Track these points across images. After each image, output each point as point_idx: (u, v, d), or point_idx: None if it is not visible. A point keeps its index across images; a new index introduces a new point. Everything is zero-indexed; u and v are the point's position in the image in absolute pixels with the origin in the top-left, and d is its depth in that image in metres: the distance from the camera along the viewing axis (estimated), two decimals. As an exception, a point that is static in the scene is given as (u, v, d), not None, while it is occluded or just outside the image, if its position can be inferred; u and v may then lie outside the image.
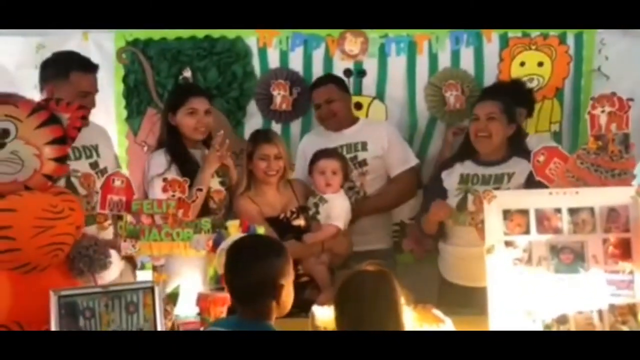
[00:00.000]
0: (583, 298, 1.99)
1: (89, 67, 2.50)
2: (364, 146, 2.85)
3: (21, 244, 1.79)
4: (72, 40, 3.00)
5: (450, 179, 2.58)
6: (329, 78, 2.96)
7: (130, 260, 2.42)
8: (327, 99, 2.87)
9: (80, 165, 2.42)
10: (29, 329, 1.82)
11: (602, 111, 2.20)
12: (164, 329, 1.79)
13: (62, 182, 2.36)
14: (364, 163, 2.85)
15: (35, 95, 2.46)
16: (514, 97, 2.70)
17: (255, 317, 1.65)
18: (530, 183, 2.32)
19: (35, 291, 1.76)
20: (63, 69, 2.44)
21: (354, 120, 2.94)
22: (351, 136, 2.88)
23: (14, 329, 1.81)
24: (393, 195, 2.87)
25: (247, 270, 1.63)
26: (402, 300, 1.58)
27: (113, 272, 2.33)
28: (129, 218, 2.01)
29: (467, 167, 2.56)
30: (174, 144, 2.56)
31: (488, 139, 2.51)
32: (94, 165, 2.46)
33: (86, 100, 2.43)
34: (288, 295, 1.68)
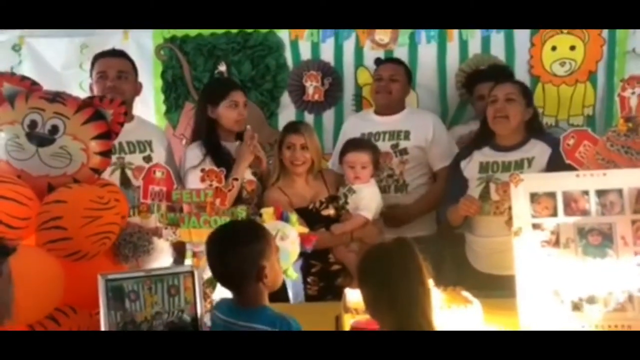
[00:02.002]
0: (612, 279, 1.99)
1: (111, 53, 2.67)
2: (407, 135, 2.87)
3: (72, 233, 1.88)
4: (113, 39, 3.12)
5: (470, 168, 2.56)
6: (399, 61, 3.01)
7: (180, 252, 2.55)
8: (391, 75, 2.91)
9: (135, 159, 2.59)
10: (80, 312, 1.94)
11: (633, 93, 2.18)
12: (203, 311, 1.88)
13: (117, 174, 2.53)
14: (404, 152, 2.87)
15: (80, 93, 2.62)
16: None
17: (247, 302, 1.66)
18: (553, 165, 2.31)
19: (85, 277, 1.84)
20: (93, 62, 2.66)
21: (402, 108, 2.96)
22: (395, 124, 2.90)
23: (68, 312, 1.92)
24: (439, 192, 2.83)
25: (225, 257, 1.64)
26: (424, 267, 1.53)
27: (164, 261, 2.46)
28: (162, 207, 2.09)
29: (486, 155, 2.53)
30: (210, 136, 2.63)
31: (506, 120, 2.46)
32: (147, 159, 2.60)
33: (126, 83, 2.60)
34: (273, 272, 1.67)
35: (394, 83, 2.91)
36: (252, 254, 1.64)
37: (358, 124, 2.96)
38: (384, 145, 2.86)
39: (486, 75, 2.89)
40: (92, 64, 2.66)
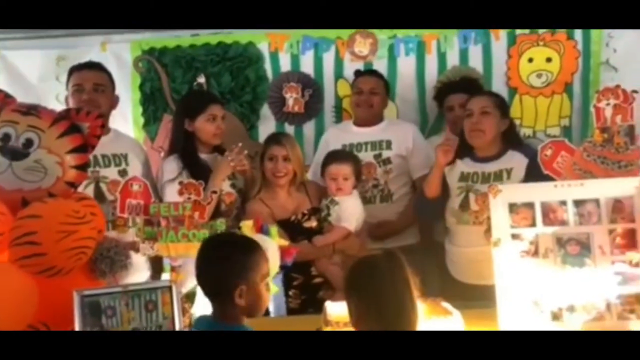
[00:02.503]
0: (590, 288, 2.00)
1: (87, 66, 2.64)
2: (389, 144, 2.90)
3: (46, 248, 1.86)
4: (91, 51, 3.10)
5: (452, 175, 2.58)
6: (378, 74, 3.04)
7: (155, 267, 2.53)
8: (372, 88, 2.94)
9: (109, 172, 2.55)
10: (55, 329, 1.90)
11: (607, 104, 2.22)
12: (182, 326, 1.85)
13: (91, 188, 2.49)
14: (388, 161, 2.89)
15: (56, 105, 2.58)
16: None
17: (223, 318, 1.61)
18: (530, 176, 2.34)
19: (60, 293, 1.81)
20: (69, 74, 2.63)
21: (381, 120, 2.99)
22: (376, 134, 2.92)
23: (41, 329, 1.89)
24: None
25: (206, 263, 1.63)
26: (412, 280, 1.53)
27: (141, 276, 2.43)
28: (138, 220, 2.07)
29: (466, 165, 2.56)
30: (187, 149, 2.61)
31: (482, 134, 2.50)
32: (123, 173, 2.55)
33: (103, 96, 2.56)
34: (251, 296, 1.60)
35: (374, 96, 2.93)
36: (232, 269, 1.60)
37: (339, 135, 2.97)
38: (366, 156, 2.88)
39: (456, 87, 2.94)
40: (68, 77, 2.63)
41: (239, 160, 2.55)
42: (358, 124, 2.99)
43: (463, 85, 2.90)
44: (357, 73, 3.07)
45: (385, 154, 2.89)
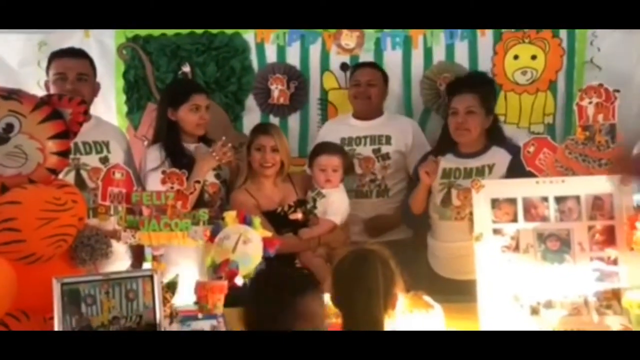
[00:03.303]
0: (569, 284, 2.04)
1: (70, 53, 2.59)
2: (388, 140, 2.90)
3: (26, 235, 1.84)
4: (74, 37, 3.04)
5: None
6: (377, 66, 3.02)
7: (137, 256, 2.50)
8: (369, 80, 2.92)
9: (90, 160, 2.52)
10: (34, 317, 1.88)
11: (590, 102, 2.25)
12: (162, 315, 1.84)
13: (71, 175, 2.46)
14: (387, 157, 2.89)
15: (38, 91, 2.53)
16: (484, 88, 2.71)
17: None
18: (512, 172, 2.35)
19: (39, 280, 1.80)
20: (50, 60, 2.57)
21: (380, 113, 2.98)
22: (376, 128, 2.92)
23: (19, 317, 1.87)
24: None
25: None
26: (396, 277, 1.58)
27: (122, 265, 2.41)
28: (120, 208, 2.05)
29: (448, 161, 2.56)
30: (170, 139, 2.59)
31: (467, 132, 2.52)
32: (104, 160, 2.53)
33: (86, 85, 2.53)
34: None
35: (372, 88, 2.92)
36: None
37: (337, 129, 2.96)
38: (365, 150, 2.88)
39: (469, 83, 2.81)
40: (49, 62, 2.58)
41: (223, 154, 2.53)
42: (357, 116, 2.98)
43: (473, 82, 2.81)
44: (344, 66, 3.07)
45: (385, 149, 2.89)
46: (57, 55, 2.58)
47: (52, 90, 2.51)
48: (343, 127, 2.96)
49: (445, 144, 2.62)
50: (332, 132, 2.96)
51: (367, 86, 2.92)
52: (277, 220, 2.55)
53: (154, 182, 2.34)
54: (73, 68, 2.52)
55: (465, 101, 2.53)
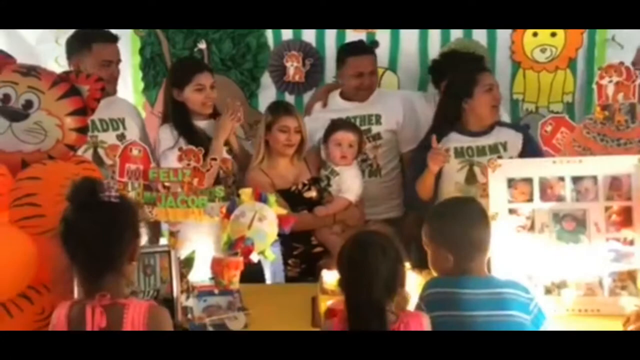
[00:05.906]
0: (584, 264, 2.03)
1: (109, 38, 2.64)
2: (378, 119, 2.87)
3: (46, 210, 1.87)
4: (91, 14, 3.07)
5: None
6: (368, 49, 2.91)
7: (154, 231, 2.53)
8: (371, 70, 2.86)
9: (108, 137, 2.56)
10: (54, 291, 1.93)
11: (610, 81, 2.22)
12: (179, 290, 1.87)
13: (89, 153, 2.49)
14: (377, 137, 2.86)
15: (56, 68, 2.56)
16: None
17: None
18: (524, 152, 2.34)
19: (60, 255, 1.85)
20: (86, 43, 2.59)
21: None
22: (365, 107, 2.88)
23: (40, 290, 1.91)
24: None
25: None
26: (400, 255, 1.57)
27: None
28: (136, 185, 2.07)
29: (457, 140, 2.51)
30: (180, 118, 2.59)
31: (497, 108, 2.51)
32: (121, 137, 2.56)
33: (110, 69, 2.61)
34: None
35: (372, 76, 2.88)
36: None
37: (324, 113, 2.87)
38: None
39: (458, 63, 2.78)
40: (84, 44, 2.59)
41: (237, 116, 2.55)
42: (347, 97, 2.90)
43: (465, 62, 2.78)
44: (349, 50, 2.87)
45: (375, 129, 2.86)
46: (99, 40, 2.61)
47: (98, 74, 2.46)
48: (331, 109, 2.89)
49: (447, 122, 2.55)
50: (320, 114, 2.89)
51: (370, 75, 2.85)
52: (291, 199, 2.55)
53: (171, 162, 2.35)
54: (116, 54, 2.66)
55: (491, 77, 2.53)
